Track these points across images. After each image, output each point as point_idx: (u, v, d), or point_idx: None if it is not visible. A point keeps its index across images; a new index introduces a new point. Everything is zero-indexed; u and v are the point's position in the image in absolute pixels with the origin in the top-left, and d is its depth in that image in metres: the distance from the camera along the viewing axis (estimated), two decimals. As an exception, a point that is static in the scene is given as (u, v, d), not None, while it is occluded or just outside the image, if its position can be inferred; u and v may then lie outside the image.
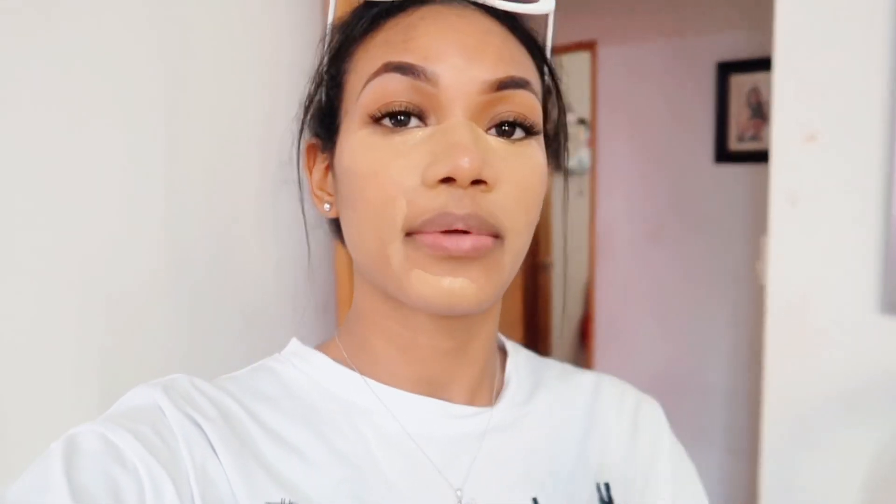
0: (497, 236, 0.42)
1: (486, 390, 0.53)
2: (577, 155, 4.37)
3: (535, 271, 4.18)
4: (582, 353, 4.83)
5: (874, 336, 1.19)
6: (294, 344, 0.54)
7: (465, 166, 0.39)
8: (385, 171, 0.42)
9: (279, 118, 1.18)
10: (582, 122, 4.24)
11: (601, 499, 0.53)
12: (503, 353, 0.59)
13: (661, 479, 0.58)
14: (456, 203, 0.40)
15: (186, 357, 1.07)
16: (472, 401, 0.52)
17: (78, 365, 0.92)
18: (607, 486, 0.54)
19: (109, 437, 0.40)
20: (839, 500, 1.23)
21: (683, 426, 2.78)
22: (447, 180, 0.41)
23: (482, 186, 0.41)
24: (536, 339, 4.29)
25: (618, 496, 0.54)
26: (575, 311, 4.87)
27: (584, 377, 0.61)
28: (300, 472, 0.44)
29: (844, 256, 1.21)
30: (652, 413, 0.61)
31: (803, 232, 1.25)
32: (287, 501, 0.43)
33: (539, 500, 0.50)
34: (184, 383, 0.46)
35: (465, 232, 0.41)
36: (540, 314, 4.29)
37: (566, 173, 0.59)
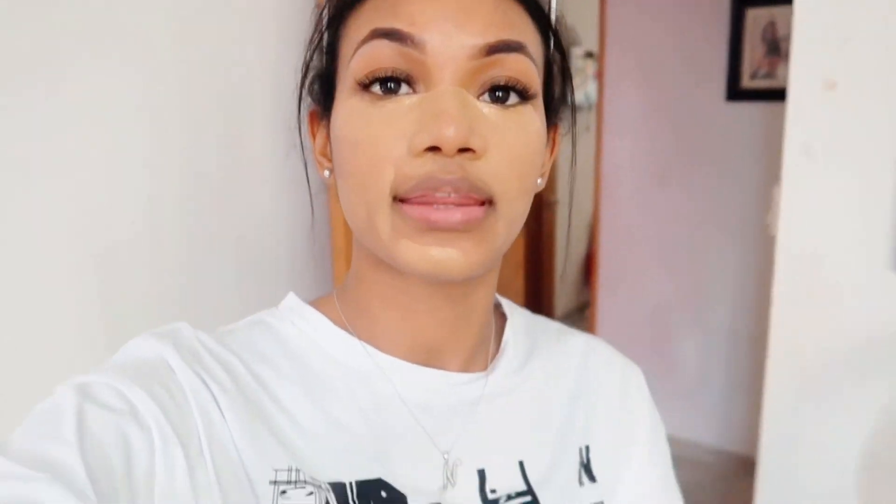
0: (490, 202, 0.42)
1: (482, 356, 0.54)
2: (584, 89, 4.26)
3: (539, 209, 4.14)
4: (585, 291, 4.84)
5: (885, 294, 1.16)
6: (292, 299, 0.53)
7: (449, 135, 0.39)
8: (373, 139, 0.42)
9: (283, 77, 1.15)
10: (589, 55, 4.12)
11: (581, 461, 0.55)
12: (501, 315, 0.59)
13: (638, 441, 0.59)
14: (442, 170, 0.40)
15: (184, 303, 1.07)
16: (467, 367, 0.52)
17: (78, 317, 0.92)
18: (587, 448, 0.56)
19: (125, 393, 0.39)
20: (840, 451, 1.24)
21: (684, 363, 2.84)
22: (433, 149, 0.40)
23: (469, 154, 0.41)
24: (540, 277, 4.29)
25: (595, 458, 0.56)
26: (579, 250, 4.86)
27: (576, 340, 0.62)
28: (301, 439, 0.45)
29: (858, 212, 1.18)
30: (637, 379, 0.63)
31: (817, 185, 1.21)
32: (294, 468, 0.43)
33: (525, 463, 0.52)
34: (190, 337, 0.46)
35: (454, 203, 0.41)
36: (544, 252, 4.28)
37: (574, 149, 0.57)
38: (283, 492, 0.42)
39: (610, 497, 0.56)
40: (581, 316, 5.01)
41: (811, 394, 1.26)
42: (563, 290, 4.74)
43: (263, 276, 1.22)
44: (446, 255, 0.41)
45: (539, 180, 0.49)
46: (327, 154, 0.50)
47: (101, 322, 0.94)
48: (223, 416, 0.42)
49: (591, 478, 0.55)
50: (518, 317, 0.60)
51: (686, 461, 3.24)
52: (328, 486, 0.44)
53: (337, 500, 0.44)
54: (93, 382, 0.40)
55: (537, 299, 4.26)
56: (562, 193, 4.32)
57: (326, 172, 0.51)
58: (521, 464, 0.52)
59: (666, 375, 3.20)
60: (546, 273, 4.37)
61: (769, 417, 1.32)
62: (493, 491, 0.50)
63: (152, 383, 0.41)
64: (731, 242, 2.86)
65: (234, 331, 0.50)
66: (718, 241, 2.89)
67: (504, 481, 0.50)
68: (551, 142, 0.53)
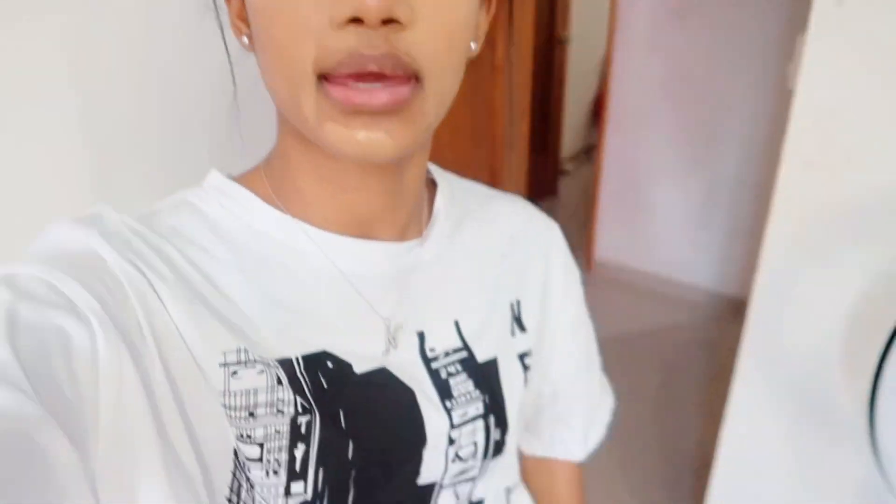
0: (416, 79, 0.39)
1: (415, 224, 0.54)
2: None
3: (550, 47, 3.96)
4: (592, 132, 4.76)
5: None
6: (216, 177, 0.50)
7: (370, 4, 0.35)
8: (291, 8, 0.37)
9: None
10: None
11: (513, 315, 0.60)
12: (431, 182, 0.59)
13: (556, 286, 0.64)
14: (367, 44, 0.37)
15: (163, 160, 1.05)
16: (402, 236, 0.52)
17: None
18: (518, 303, 0.60)
19: (57, 285, 0.37)
20: (828, 310, 1.27)
21: (687, 206, 2.85)
22: (356, 20, 0.36)
23: (395, 25, 0.37)
24: (547, 118, 4.20)
25: (525, 310, 0.61)
26: (589, 90, 4.71)
27: (503, 203, 0.64)
28: (244, 321, 0.44)
29: (885, 68, 1.11)
30: (557, 236, 0.66)
31: (845, 37, 1.14)
32: (242, 349, 0.43)
33: (460, 323, 0.55)
34: (116, 223, 0.43)
35: (379, 76, 0.38)
36: (553, 92, 4.15)
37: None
38: (234, 373, 0.43)
39: (537, 342, 0.63)
40: (587, 158, 4.97)
41: (809, 249, 1.27)
42: (570, 131, 4.65)
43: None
44: (374, 139, 0.38)
45: (473, 45, 0.46)
46: (245, 18, 0.45)
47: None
48: (163, 305, 0.41)
49: (522, 328, 0.61)
50: (448, 184, 0.60)
51: (682, 302, 3.35)
52: (276, 363, 0.44)
53: (286, 375, 0.44)
54: (19, 274, 0.37)
55: (543, 141, 4.20)
56: (575, 30, 4.12)
57: (245, 39, 0.46)
58: (456, 323, 0.54)
59: (668, 218, 3.23)
60: (554, 114, 4.27)
61: (764, 267, 1.33)
62: (431, 350, 0.53)
63: (85, 275, 0.38)
64: (746, 89, 2.75)
65: (158, 213, 0.47)
66: (734, 87, 2.78)
67: (441, 340, 0.53)
68: (487, 2, 0.49)
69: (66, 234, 0.41)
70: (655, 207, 3.25)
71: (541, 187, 4.24)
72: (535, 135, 3.59)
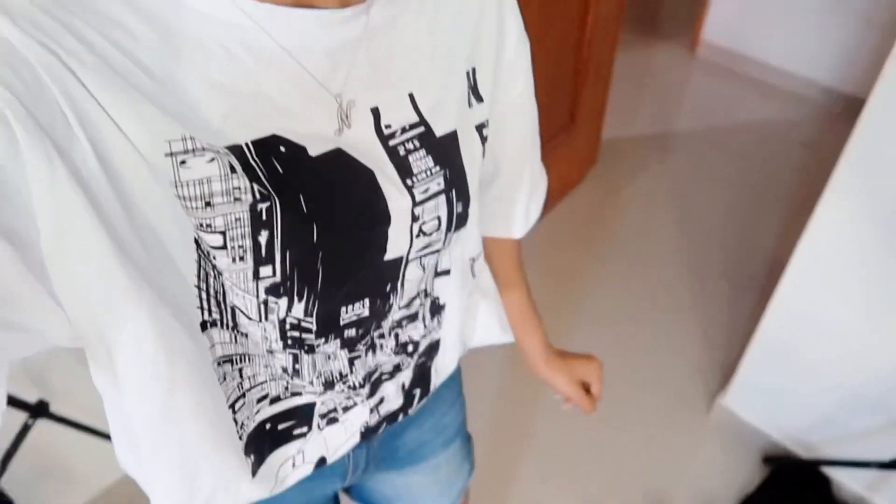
0: None
1: None
2: None
3: None
4: None
5: None
6: None
7: None
8: None
9: None
10: None
11: (469, 85, 0.56)
12: None
13: (508, 59, 0.60)
14: None
15: None
16: (344, 2, 0.45)
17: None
18: (474, 70, 0.57)
19: None
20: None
21: None
22: None
23: None
24: None
25: (480, 78, 0.57)
26: None
27: None
28: (185, 107, 0.40)
29: None
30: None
31: None
32: (187, 136, 0.40)
33: (415, 94, 0.51)
34: (18, 1, 0.36)
35: None
36: None
37: None
38: (183, 162, 0.40)
39: (491, 112, 0.60)
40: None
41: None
42: None
43: None
44: None
45: None
46: None
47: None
48: (88, 92, 0.36)
49: (479, 98, 0.57)
50: None
51: (793, 97, 3.09)
52: (226, 151, 0.41)
53: (239, 162, 0.42)
54: None
55: None
56: None
57: None
58: (411, 96, 0.51)
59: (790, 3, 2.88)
60: None
61: (891, 67, 1.16)
62: (387, 126, 0.50)
63: None
64: None
65: None
66: None
67: (397, 116, 0.50)
68: None
69: None
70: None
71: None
72: None
